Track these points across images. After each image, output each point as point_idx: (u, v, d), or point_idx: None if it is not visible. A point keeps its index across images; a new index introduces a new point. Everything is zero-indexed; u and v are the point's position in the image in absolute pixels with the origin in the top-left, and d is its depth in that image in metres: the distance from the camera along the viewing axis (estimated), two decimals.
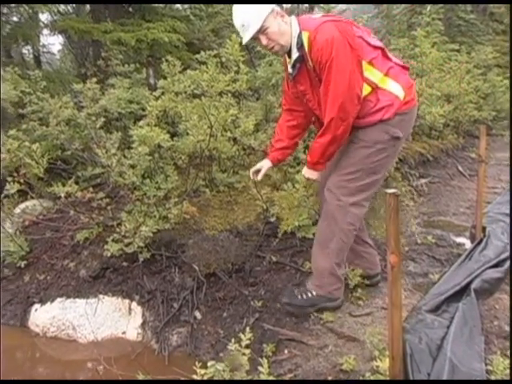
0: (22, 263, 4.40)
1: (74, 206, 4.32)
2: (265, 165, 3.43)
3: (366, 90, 2.93)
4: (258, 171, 3.45)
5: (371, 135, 3.00)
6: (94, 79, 4.93)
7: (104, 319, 3.92)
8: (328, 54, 2.79)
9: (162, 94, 4.61)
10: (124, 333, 3.88)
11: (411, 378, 2.22)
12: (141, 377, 2.69)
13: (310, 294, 3.20)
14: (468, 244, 4.13)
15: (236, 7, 2.99)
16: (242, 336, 2.51)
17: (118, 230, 3.90)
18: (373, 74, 2.95)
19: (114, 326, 3.90)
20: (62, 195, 3.85)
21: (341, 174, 3.06)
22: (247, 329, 2.54)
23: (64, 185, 3.90)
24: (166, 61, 4.80)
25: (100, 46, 7.27)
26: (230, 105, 4.23)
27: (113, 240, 3.90)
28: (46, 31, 7.99)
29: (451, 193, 6.07)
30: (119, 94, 4.91)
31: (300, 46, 2.93)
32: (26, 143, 3.94)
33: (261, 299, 3.61)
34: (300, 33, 2.93)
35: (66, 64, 11.47)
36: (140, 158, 3.84)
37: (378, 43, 3.07)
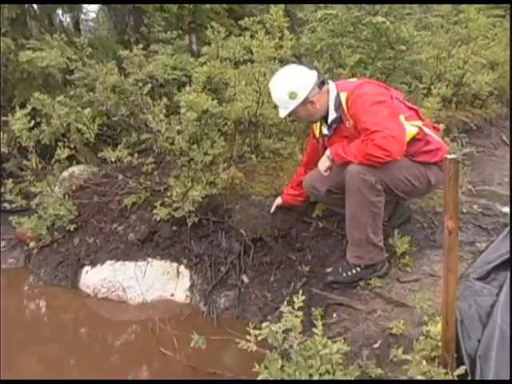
0: (72, 226, 4.51)
1: (121, 170, 4.40)
2: (277, 201, 3.87)
3: (413, 130, 3.02)
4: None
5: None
6: (140, 45, 4.95)
7: (153, 281, 4.02)
8: (366, 101, 2.94)
9: (207, 60, 4.61)
10: (172, 295, 3.98)
11: (462, 344, 2.23)
12: (195, 337, 2.76)
13: (354, 271, 3.20)
14: None
15: (271, 85, 3.25)
16: (294, 298, 2.54)
17: (166, 194, 3.96)
18: (412, 123, 3.05)
19: (163, 289, 4.00)
20: (112, 159, 3.93)
21: None
22: (300, 291, 2.57)
23: (114, 150, 3.97)
24: (211, 27, 4.78)
25: (141, 14, 7.28)
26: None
27: (161, 204, 3.97)
28: None
29: (495, 162, 5.96)
30: (165, 59, 4.92)
31: (338, 106, 3.07)
32: (78, 108, 4.01)
33: (308, 264, 3.65)
34: (338, 94, 3.07)
35: (101, 31, 11.47)
36: (188, 123, 3.86)
37: (412, 105, 3.24)
